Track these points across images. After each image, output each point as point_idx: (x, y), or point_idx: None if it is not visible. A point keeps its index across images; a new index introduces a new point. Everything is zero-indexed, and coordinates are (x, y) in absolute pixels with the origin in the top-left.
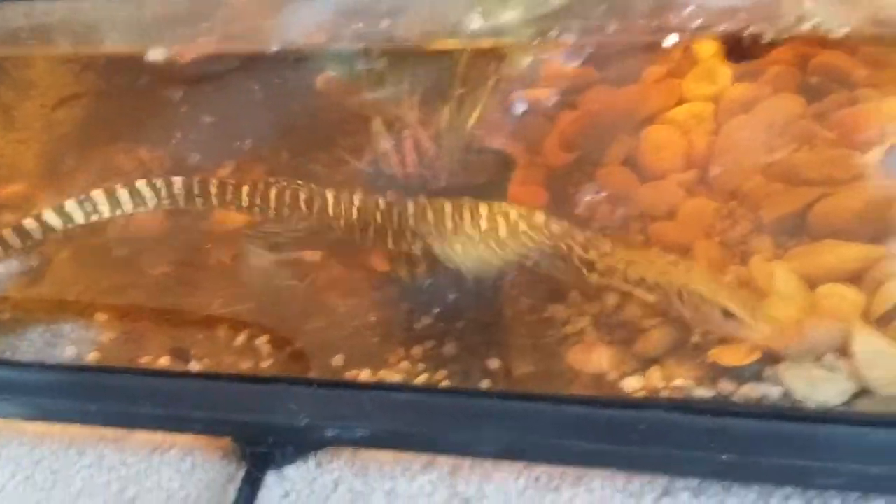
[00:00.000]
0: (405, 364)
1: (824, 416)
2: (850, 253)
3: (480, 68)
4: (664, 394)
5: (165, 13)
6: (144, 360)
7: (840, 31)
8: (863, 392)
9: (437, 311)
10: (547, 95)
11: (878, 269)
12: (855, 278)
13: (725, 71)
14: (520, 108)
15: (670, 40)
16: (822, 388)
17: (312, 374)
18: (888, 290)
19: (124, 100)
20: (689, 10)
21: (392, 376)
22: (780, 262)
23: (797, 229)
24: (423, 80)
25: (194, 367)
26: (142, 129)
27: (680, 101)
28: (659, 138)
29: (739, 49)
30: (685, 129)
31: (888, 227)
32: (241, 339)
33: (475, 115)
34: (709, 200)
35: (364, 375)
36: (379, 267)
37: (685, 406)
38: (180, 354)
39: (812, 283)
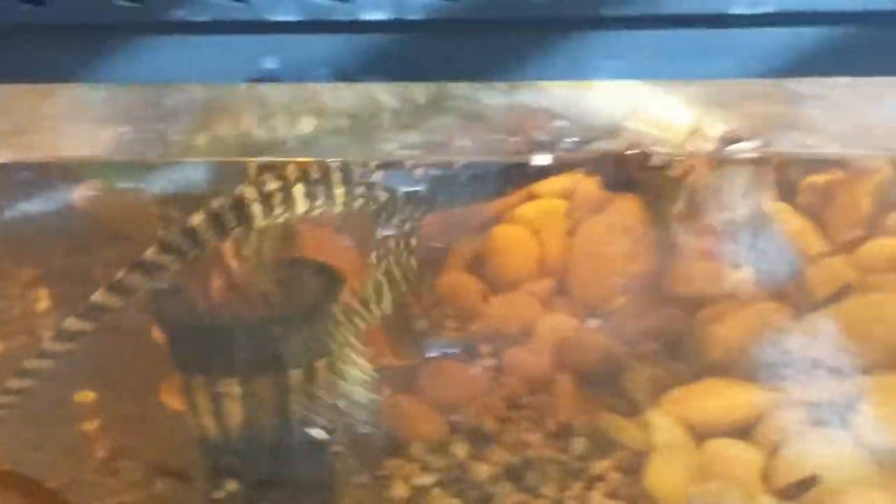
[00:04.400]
0: None
1: None
2: (738, 396)
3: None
4: None
5: None
6: None
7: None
8: None
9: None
10: None
11: (771, 419)
12: (744, 429)
13: None
14: None
15: (541, 160)
16: None
17: None
18: (792, 458)
19: None
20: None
21: None
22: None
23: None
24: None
25: None
26: None
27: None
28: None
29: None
30: (536, 228)
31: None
32: None
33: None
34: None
35: None
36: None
37: None
38: None
39: (697, 433)
